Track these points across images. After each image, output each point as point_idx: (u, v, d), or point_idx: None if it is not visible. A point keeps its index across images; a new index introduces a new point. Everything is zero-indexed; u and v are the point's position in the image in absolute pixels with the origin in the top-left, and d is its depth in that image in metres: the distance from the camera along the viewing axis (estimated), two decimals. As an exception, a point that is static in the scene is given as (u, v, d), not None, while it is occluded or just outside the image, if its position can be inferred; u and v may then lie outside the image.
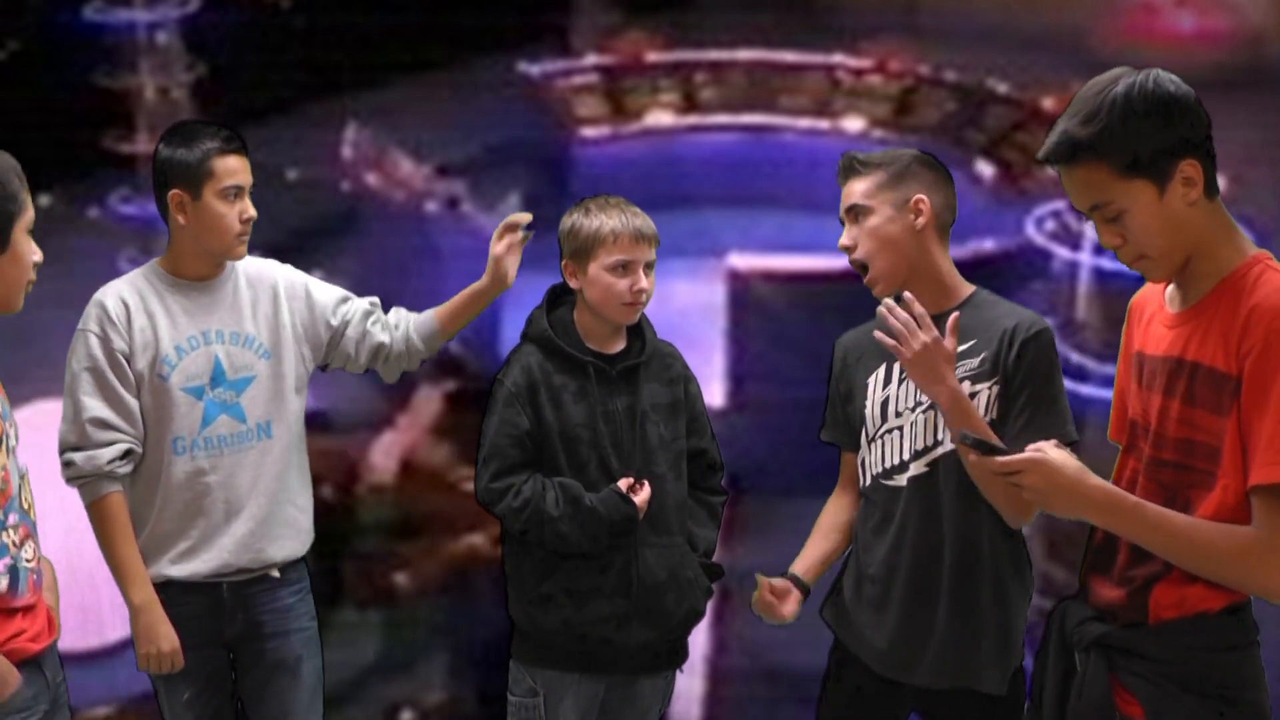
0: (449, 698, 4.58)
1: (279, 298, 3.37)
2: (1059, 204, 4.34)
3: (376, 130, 4.47)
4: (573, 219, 3.25)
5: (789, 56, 4.45)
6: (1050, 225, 4.35)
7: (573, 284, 3.26)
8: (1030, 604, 3.08)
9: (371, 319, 3.46)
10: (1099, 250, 4.30)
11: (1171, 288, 2.43)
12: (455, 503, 4.43)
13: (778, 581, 3.13)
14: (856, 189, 3.05)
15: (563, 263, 3.27)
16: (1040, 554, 4.27)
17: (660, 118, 4.50)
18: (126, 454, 3.20)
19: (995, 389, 2.96)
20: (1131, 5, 4.34)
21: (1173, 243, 2.33)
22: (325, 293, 3.45)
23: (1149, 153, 2.28)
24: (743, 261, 4.42)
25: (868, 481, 3.09)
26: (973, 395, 2.96)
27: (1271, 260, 2.34)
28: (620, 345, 3.28)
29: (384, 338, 3.44)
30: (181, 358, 3.25)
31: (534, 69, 4.46)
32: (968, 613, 2.98)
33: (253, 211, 3.28)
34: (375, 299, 3.51)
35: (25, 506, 2.72)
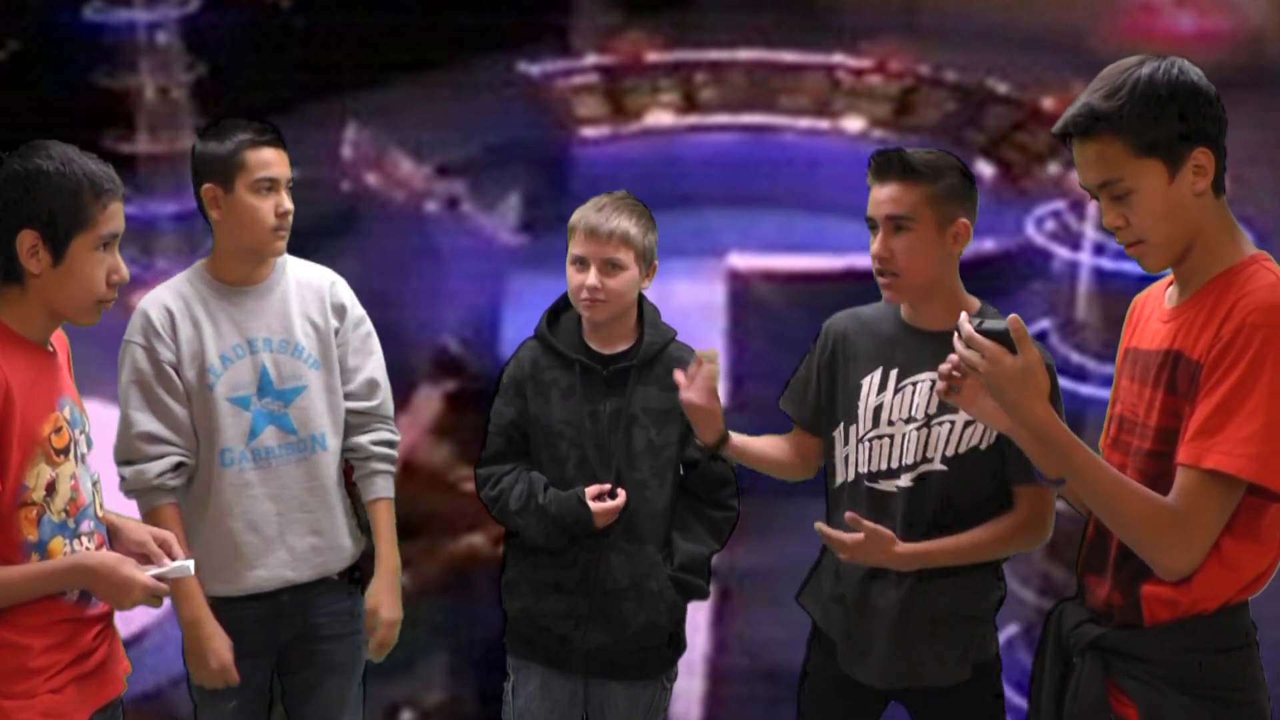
0: (449, 698, 4.57)
1: (326, 309, 3.28)
2: (1059, 204, 4.34)
3: (376, 130, 4.46)
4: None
5: (789, 56, 4.45)
6: (1050, 225, 4.35)
7: None
8: (1004, 592, 3.10)
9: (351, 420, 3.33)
10: (1099, 250, 4.30)
11: (1173, 287, 2.44)
12: (455, 503, 4.43)
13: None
14: (903, 198, 2.94)
15: None
16: (1040, 554, 4.28)
17: (660, 118, 4.50)
18: (177, 466, 3.14)
19: None
20: (1131, 5, 4.34)
21: (1174, 229, 2.34)
22: (350, 338, 3.31)
23: (1166, 135, 2.30)
24: (743, 261, 4.42)
25: (850, 478, 3.09)
26: (969, 423, 2.98)
27: (1269, 261, 2.35)
28: (624, 345, 3.26)
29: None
30: (226, 367, 3.17)
31: (534, 69, 4.45)
32: (949, 619, 3.00)
33: (289, 205, 3.18)
34: (379, 396, 3.35)
35: (99, 515, 2.73)
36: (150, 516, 3.12)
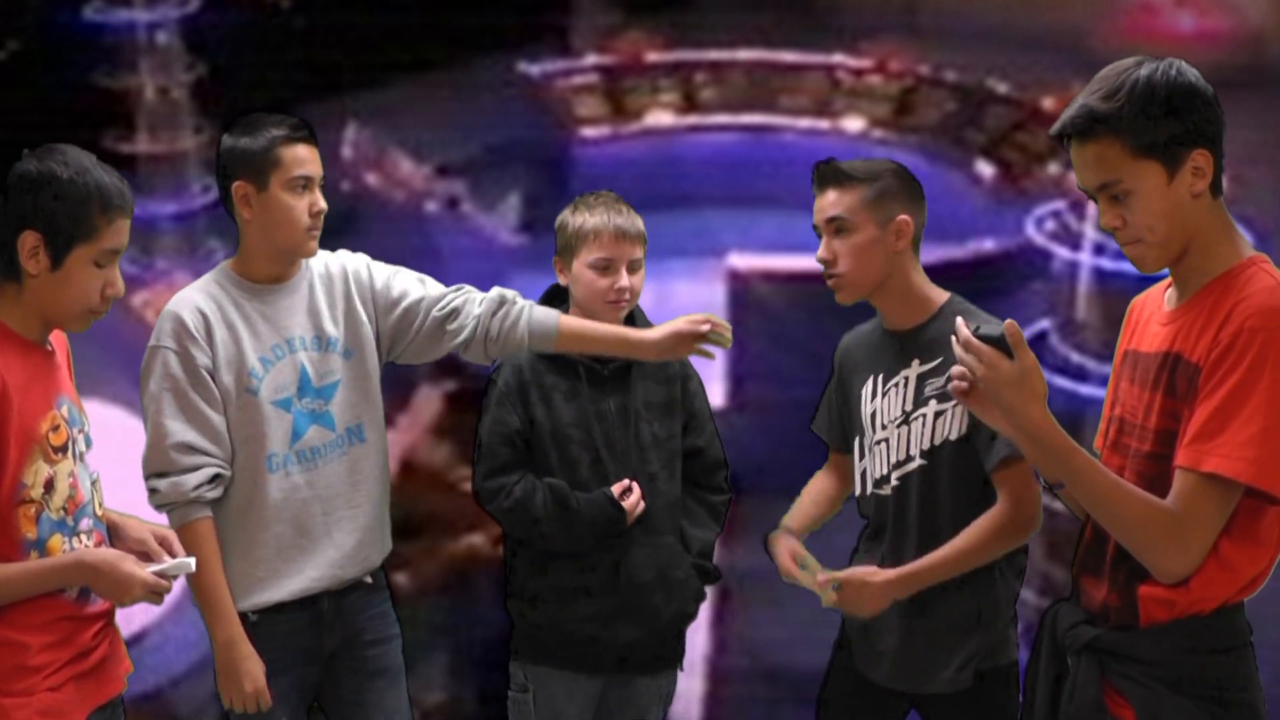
0: (449, 698, 4.57)
1: (350, 291, 3.14)
2: (1059, 204, 4.34)
3: (376, 130, 4.46)
4: (563, 216, 3.27)
5: (789, 56, 4.45)
6: (1050, 225, 4.35)
7: (562, 281, 3.27)
8: (1017, 597, 3.09)
9: (448, 318, 3.14)
10: (1099, 250, 4.30)
11: (1171, 289, 2.44)
12: (455, 503, 4.43)
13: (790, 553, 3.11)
14: (840, 202, 3.05)
15: (554, 259, 3.28)
16: (1040, 554, 4.28)
17: (660, 118, 4.50)
18: (214, 478, 2.98)
19: (959, 408, 2.97)
20: (1131, 5, 4.35)
21: (1172, 230, 2.34)
22: (387, 282, 3.17)
23: (1164, 136, 2.30)
24: (743, 261, 4.42)
25: (866, 491, 3.12)
26: (939, 414, 2.99)
27: (1268, 264, 2.35)
28: None
29: (461, 336, 3.13)
30: (268, 369, 3.04)
31: (534, 69, 4.46)
32: (954, 625, 3.00)
33: (323, 204, 3.05)
34: (462, 287, 3.18)
35: (99, 513, 2.72)
36: (185, 531, 2.95)
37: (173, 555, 2.72)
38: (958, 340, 2.37)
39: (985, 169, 4.34)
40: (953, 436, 2.99)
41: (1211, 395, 2.27)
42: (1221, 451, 2.25)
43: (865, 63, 4.44)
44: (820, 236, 3.09)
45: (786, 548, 3.12)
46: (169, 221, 4.42)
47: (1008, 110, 4.39)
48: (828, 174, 3.08)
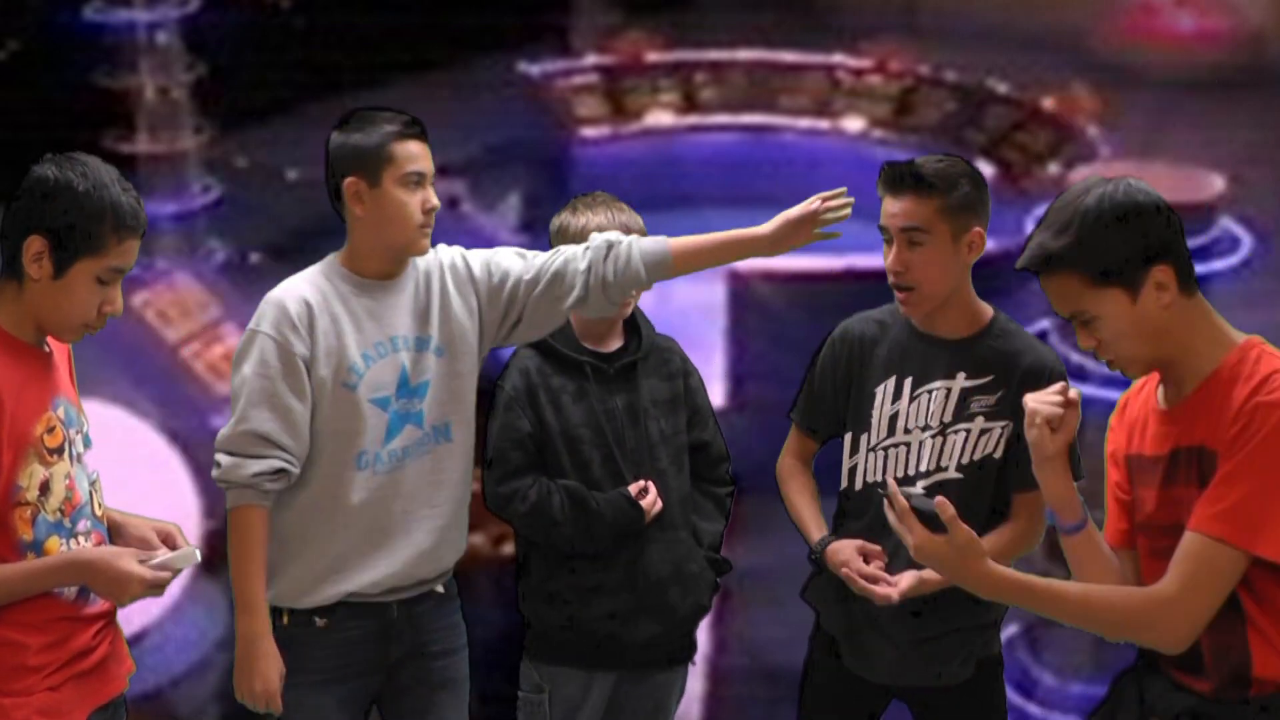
0: (449, 698, 4.57)
1: (447, 286, 3.07)
2: (1059, 204, 4.34)
3: (376, 130, 4.46)
4: (561, 217, 3.27)
5: (789, 56, 4.46)
6: (1050, 225, 4.34)
7: None
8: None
9: (553, 285, 3.05)
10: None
11: (1161, 388, 2.43)
12: (455, 503, 4.42)
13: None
14: (917, 211, 2.94)
15: None
16: (1040, 554, 4.28)
17: (660, 118, 4.50)
18: (278, 472, 2.93)
19: (1008, 428, 2.98)
20: (1131, 5, 4.35)
21: (1143, 346, 2.34)
22: (486, 268, 3.09)
23: (1119, 261, 2.30)
24: (743, 262, 4.41)
25: (858, 486, 3.09)
26: (984, 432, 2.99)
27: (1266, 345, 2.35)
28: (617, 343, 3.29)
29: (573, 295, 3.04)
30: (369, 366, 2.98)
31: (534, 69, 4.46)
32: (957, 621, 3.01)
33: (436, 201, 2.99)
34: (558, 250, 3.09)
35: (98, 513, 2.70)
36: (235, 514, 2.95)
37: (174, 549, 2.71)
38: (891, 505, 2.35)
39: (985, 169, 4.33)
40: (996, 455, 2.98)
41: (1225, 465, 2.26)
42: (1224, 517, 2.24)
43: (865, 63, 4.44)
44: (887, 240, 2.99)
45: (855, 554, 2.99)
46: (169, 221, 4.42)
47: (1008, 110, 4.40)
48: (904, 177, 2.95)
